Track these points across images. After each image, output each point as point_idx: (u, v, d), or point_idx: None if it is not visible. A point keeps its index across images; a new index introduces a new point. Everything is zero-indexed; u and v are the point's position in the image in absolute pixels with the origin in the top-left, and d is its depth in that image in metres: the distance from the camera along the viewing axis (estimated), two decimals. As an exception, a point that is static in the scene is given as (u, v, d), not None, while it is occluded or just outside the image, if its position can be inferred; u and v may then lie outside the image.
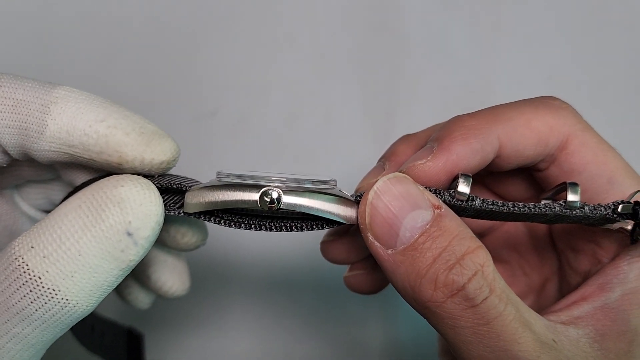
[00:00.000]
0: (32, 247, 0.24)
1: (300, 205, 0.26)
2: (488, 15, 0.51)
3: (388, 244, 0.25)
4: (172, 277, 0.35)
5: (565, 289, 0.33)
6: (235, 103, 0.51)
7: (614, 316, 0.28)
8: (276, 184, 0.26)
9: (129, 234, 0.24)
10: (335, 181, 0.28)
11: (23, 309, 0.24)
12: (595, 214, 0.27)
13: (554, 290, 0.34)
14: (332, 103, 0.51)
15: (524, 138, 0.29)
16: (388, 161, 0.31)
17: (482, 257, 0.25)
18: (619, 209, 0.27)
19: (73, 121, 0.26)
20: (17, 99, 0.26)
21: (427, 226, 0.25)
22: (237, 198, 0.26)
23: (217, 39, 0.52)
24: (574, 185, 0.27)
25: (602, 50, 0.52)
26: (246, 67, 0.52)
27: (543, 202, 0.27)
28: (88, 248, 0.24)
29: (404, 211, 0.25)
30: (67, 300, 0.24)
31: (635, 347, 0.27)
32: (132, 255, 0.24)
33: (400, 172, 0.28)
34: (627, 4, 0.52)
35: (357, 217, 0.27)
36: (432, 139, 0.29)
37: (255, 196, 0.26)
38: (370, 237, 0.26)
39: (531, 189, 0.34)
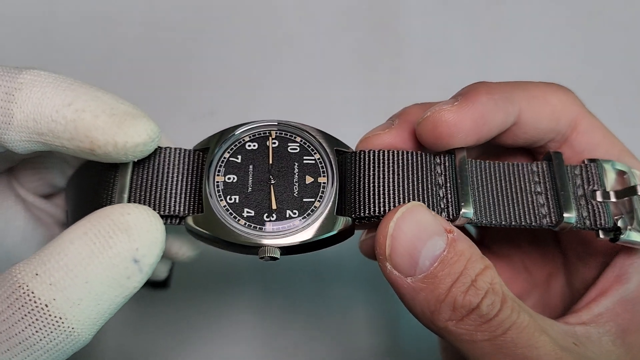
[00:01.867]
0: (37, 275, 0.23)
1: (297, 246, 0.28)
2: (488, 15, 0.51)
3: (407, 273, 0.26)
4: (179, 240, 0.34)
5: (577, 283, 0.32)
6: (233, 103, 0.51)
7: (632, 308, 0.28)
8: (271, 240, 0.27)
9: (136, 261, 0.24)
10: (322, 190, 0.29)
11: (26, 339, 0.23)
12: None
13: (560, 285, 0.33)
14: (331, 103, 0.51)
15: (540, 108, 0.29)
16: (398, 118, 0.30)
17: (490, 275, 0.26)
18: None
19: (39, 108, 0.25)
20: None
21: (445, 253, 0.25)
22: (238, 252, 0.29)
23: (215, 39, 0.52)
24: (557, 153, 0.29)
25: (602, 50, 0.52)
26: (245, 67, 0.52)
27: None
28: (95, 275, 0.23)
29: (422, 241, 0.26)
30: (72, 329, 0.23)
31: None
32: (136, 282, 0.24)
33: (424, 117, 0.28)
34: (627, 4, 0.52)
35: (349, 226, 0.28)
36: (455, 94, 0.29)
37: (255, 252, 0.28)
38: (389, 267, 0.26)
39: None
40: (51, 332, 0.23)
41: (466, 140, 0.28)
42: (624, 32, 0.52)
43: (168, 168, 0.28)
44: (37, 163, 0.32)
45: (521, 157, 0.34)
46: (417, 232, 0.26)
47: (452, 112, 0.27)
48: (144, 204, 0.27)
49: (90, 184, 0.30)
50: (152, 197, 0.28)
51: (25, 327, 0.23)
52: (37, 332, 0.23)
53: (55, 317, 0.23)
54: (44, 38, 0.51)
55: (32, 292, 0.23)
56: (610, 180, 0.29)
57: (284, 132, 0.30)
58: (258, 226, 0.28)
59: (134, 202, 0.28)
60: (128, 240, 0.24)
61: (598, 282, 0.29)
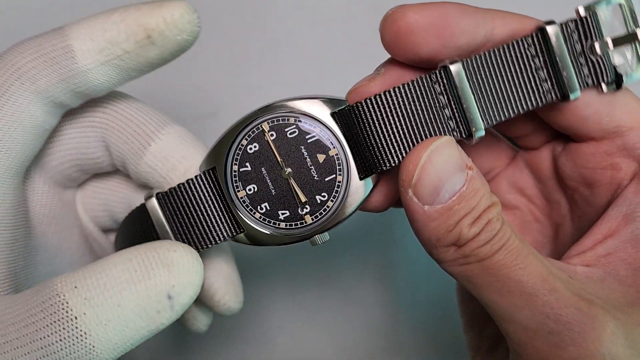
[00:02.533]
0: (76, 287, 0.24)
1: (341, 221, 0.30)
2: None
3: (426, 202, 0.27)
4: (226, 285, 0.33)
5: (585, 229, 0.31)
6: (235, 104, 0.51)
7: None
8: (317, 229, 0.29)
9: (170, 297, 0.25)
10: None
11: (48, 345, 0.23)
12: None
13: (569, 234, 0.33)
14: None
15: (518, 26, 0.28)
16: (384, 67, 0.30)
17: (496, 210, 0.27)
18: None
19: (90, 29, 0.27)
20: None
21: (464, 188, 0.26)
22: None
23: (217, 39, 0.52)
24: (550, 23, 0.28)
25: None
26: (247, 67, 0.52)
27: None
28: (128, 301, 0.24)
29: (448, 175, 0.26)
30: (93, 347, 0.24)
31: None
32: (165, 319, 0.25)
33: (385, 16, 0.28)
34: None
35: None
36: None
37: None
38: (410, 193, 0.27)
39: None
40: (73, 344, 0.24)
41: (428, 43, 0.27)
42: None
43: (192, 201, 0.29)
44: (106, 195, 0.34)
45: None
46: (446, 167, 0.26)
47: (413, 10, 0.27)
48: (188, 243, 0.29)
49: (134, 229, 0.31)
50: (191, 235, 0.29)
51: (51, 334, 0.23)
52: (59, 340, 0.23)
53: (81, 330, 0.24)
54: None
55: (67, 302, 0.24)
56: (608, 23, 0.28)
57: (275, 120, 0.29)
58: (298, 223, 0.29)
59: (179, 240, 0.29)
60: (167, 276, 0.25)
61: (603, 222, 0.29)
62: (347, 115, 0.29)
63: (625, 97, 0.29)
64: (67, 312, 0.24)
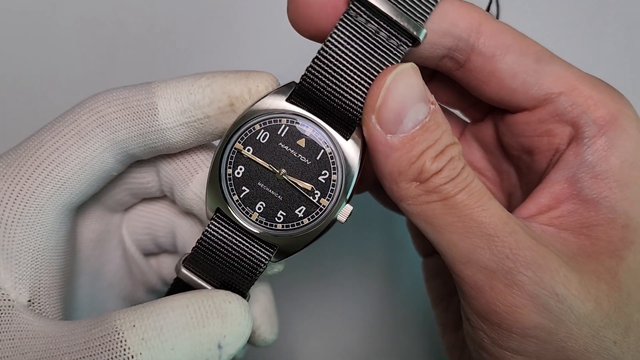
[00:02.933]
0: (134, 326, 0.25)
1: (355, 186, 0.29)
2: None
3: (389, 130, 0.27)
4: (261, 317, 0.33)
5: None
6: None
7: (597, 205, 0.28)
8: (338, 208, 0.29)
9: (220, 347, 0.26)
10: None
11: None
12: None
13: (520, 203, 0.32)
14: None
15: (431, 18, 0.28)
16: None
17: (458, 149, 0.27)
18: None
19: (176, 89, 0.28)
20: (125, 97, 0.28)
21: (427, 120, 0.27)
22: None
23: (216, 38, 0.52)
24: None
25: (602, 50, 0.52)
26: (246, 66, 0.52)
27: None
28: (182, 346, 0.25)
29: (412, 102, 0.26)
30: None
31: (631, 232, 0.28)
32: None
33: None
34: (627, 4, 0.52)
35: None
36: None
37: None
38: (373, 120, 0.27)
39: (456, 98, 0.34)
40: None
41: (328, 16, 0.28)
42: (624, 32, 0.52)
43: (218, 249, 0.29)
44: (151, 218, 0.34)
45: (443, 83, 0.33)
46: (409, 93, 0.26)
47: None
48: (233, 289, 0.29)
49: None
50: (235, 278, 0.29)
51: None
52: None
53: None
54: (45, 38, 0.51)
55: (125, 341, 0.24)
56: None
57: (243, 135, 0.29)
58: (318, 211, 0.29)
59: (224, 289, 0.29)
60: (221, 326, 0.26)
61: (546, 185, 0.29)
62: (301, 92, 0.28)
63: (551, 64, 0.29)
64: (124, 350, 0.24)
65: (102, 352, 0.24)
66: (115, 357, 0.24)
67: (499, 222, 0.26)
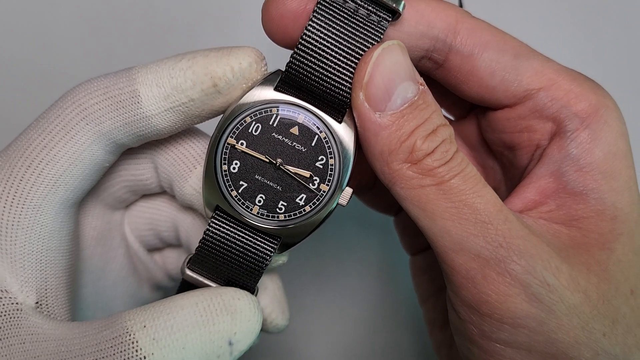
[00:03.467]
0: (145, 327, 0.25)
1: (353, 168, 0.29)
2: (486, 14, 0.51)
3: (377, 107, 0.26)
4: (272, 304, 0.33)
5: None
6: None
7: (585, 197, 0.28)
8: (338, 192, 0.28)
9: (230, 344, 0.26)
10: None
11: None
12: None
13: (505, 199, 0.32)
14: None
15: (404, 16, 0.28)
16: None
17: (449, 131, 0.27)
18: None
19: (157, 74, 0.27)
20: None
21: (416, 98, 0.26)
22: None
23: (218, 37, 0.51)
24: None
25: (602, 50, 0.52)
26: None
27: None
28: (193, 344, 0.25)
29: (400, 78, 0.26)
30: None
31: (620, 224, 0.28)
32: None
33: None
34: (627, 4, 0.52)
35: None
36: None
37: None
38: (361, 97, 0.26)
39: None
40: None
41: (301, 25, 0.27)
42: (624, 33, 0.52)
43: (222, 246, 0.29)
44: (152, 213, 0.34)
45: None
46: (397, 68, 0.26)
47: None
48: (240, 285, 0.29)
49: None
50: (241, 274, 0.29)
51: None
52: None
53: None
54: (45, 35, 0.51)
55: (137, 342, 0.24)
56: None
57: (235, 129, 0.28)
58: (319, 197, 0.28)
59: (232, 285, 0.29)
60: (231, 323, 0.26)
61: (531, 180, 0.29)
62: (289, 79, 0.28)
63: (530, 60, 0.29)
64: (136, 351, 0.24)
65: (114, 354, 0.24)
66: (128, 358, 0.24)
67: (493, 210, 0.26)
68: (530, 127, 0.30)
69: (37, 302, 0.27)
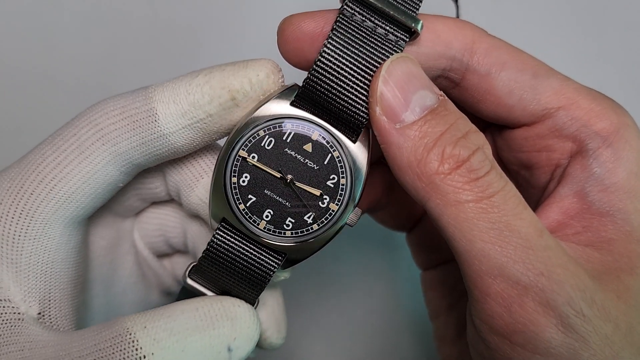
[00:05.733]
0: (145, 327, 0.25)
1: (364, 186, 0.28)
2: (483, 15, 0.51)
3: (395, 118, 0.26)
4: (269, 320, 0.32)
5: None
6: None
7: (612, 217, 0.27)
8: (347, 212, 0.28)
9: (229, 350, 0.26)
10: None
11: None
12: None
13: None
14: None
15: (421, 37, 0.28)
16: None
17: (482, 138, 0.26)
18: None
19: (173, 91, 0.27)
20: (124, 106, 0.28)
21: (436, 106, 0.26)
22: None
23: (218, 36, 0.52)
24: None
25: (601, 50, 0.52)
26: None
27: None
28: (192, 347, 0.25)
29: (414, 86, 0.26)
30: None
31: None
32: None
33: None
34: (626, 4, 0.52)
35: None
36: None
37: None
38: (378, 111, 0.26)
39: None
40: None
41: (316, 47, 0.27)
42: (624, 33, 0.52)
43: (225, 259, 0.29)
44: (161, 219, 0.34)
45: None
46: (409, 77, 0.26)
47: (298, 18, 0.28)
48: (241, 296, 0.29)
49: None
50: (243, 287, 0.29)
51: None
52: None
53: None
54: (45, 36, 0.51)
55: (137, 341, 0.25)
56: None
57: (247, 141, 0.28)
58: (327, 216, 0.28)
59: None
60: (231, 328, 0.26)
61: (554, 200, 0.28)
62: (305, 95, 0.28)
63: (548, 79, 0.28)
64: (137, 349, 0.24)
65: (113, 353, 0.24)
66: (127, 357, 0.24)
67: (535, 234, 0.25)
68: (549, 147, 0.29)
69: (39, 313, 0.27)
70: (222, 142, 0.30)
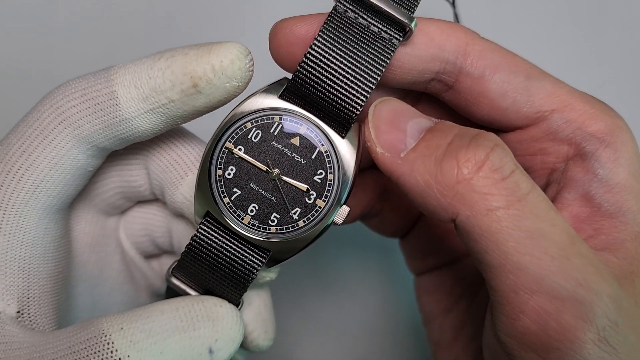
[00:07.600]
0: (122, 329, 0.24)
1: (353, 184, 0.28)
2: (482, 15, 0.51)
3: (397, 149, 0.26)
4: (255, 321, 0.31)
5: None
6: (237, 100, 0.51)
7: (621, 217, 0.27)
8: (334, 210, 0.27)
9: (211, 351, 0.25)
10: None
11: None
12: None
13: None
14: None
15: (414, 37, 0.27)
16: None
17: (496, 136, 0.25)
18: None
19: (135, 75, 0.26)
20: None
21: (433, 125, 0.26)
22: None
23: (218, 36, 0.50)
24: None
25: (601, 50, 0.52)
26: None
27: None
28: (171, 349, 0.24)
29: (405, 117, 0.26)
30: None
31: None
32: None
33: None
34: (626, 4, 0.52)
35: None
36: None
37: None
38: (379, 150, 0.26)
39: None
40: None
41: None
42: (624, 33, 0.51)
43: (208, 254, 0.28)
44: (147, 219, 0.33)
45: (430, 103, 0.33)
46: (397, 111, 0.26)
47: (290, 22, 0.28)
48: (224, 295, 0.28)
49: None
50: (226, 285, 0.28)
51: None
52: None
53: None
54: (44, 35, 0.51)
55: (113, 343, 0.24)
56: None
57: (234, 133, 0.28)
58: (313, 213, 0.27)
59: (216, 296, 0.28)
60: (212, 329, 0.25)
61: (561, 206, 0.28)
62: (294, 89, 0.27)
63: (542, 81, 0.28)
64: (112, 352, 0.24)
65: (88, 356, 0.24)
66: (104, 358, 0.24)
67: (568, 241, 0.23)
68: (543, 150, 0.29)
69: (18, 312, 0.26)
70: (207, 138, 0.29)
